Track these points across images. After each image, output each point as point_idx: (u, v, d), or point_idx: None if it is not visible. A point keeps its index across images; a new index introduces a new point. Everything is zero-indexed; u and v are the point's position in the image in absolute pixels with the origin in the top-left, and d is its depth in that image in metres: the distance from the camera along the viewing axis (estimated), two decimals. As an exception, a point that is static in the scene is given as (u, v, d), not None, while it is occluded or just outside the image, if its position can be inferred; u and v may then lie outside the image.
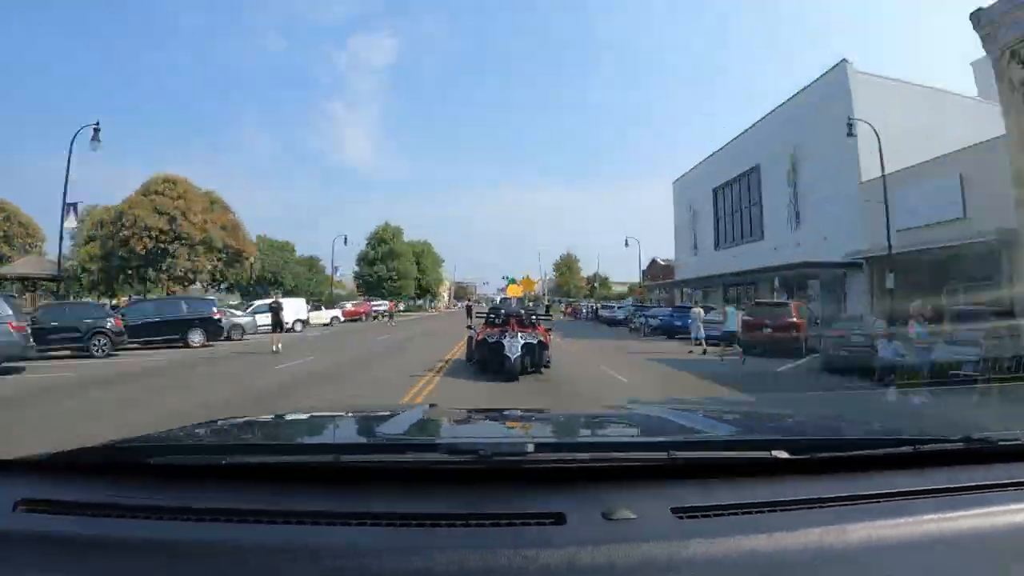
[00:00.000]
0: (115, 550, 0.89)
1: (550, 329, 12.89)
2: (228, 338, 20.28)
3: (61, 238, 20.50)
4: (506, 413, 2.10)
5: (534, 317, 12.83)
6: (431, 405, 2.04)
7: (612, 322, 34.22)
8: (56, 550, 0.90)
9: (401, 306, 46.73)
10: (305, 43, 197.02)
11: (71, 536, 0.92)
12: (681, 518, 0.94)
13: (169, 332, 17.93)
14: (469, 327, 13.24)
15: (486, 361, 10.75)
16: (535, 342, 10.82)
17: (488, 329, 11.69)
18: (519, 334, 10.75)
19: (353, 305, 41.25)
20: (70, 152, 19.20)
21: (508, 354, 10.18)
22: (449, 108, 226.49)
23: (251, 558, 0.86)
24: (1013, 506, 1.02)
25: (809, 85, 25.71)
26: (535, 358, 10.81)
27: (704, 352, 16.24)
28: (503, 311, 13.26)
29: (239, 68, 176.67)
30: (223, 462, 1.10)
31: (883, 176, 17.80)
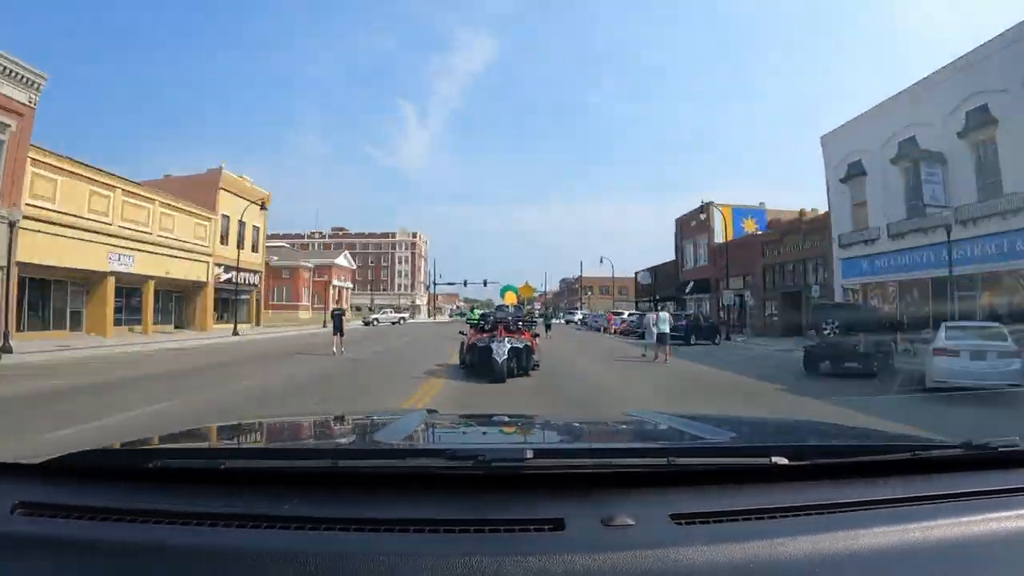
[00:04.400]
0: (113, 554, 0.89)
1: (537, 335, 13.97)
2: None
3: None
4: (506, 419, 2.09)
5: (520, 323, 13.66)
6: (430, 411, 2.03)
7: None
8: (54, 553, 0.89)
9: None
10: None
11: (69, 539, 0.91)
12: (680, 524, 0.94)
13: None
14: (461, 332, 14.21)
15: (475, 364, 11.43)
16: (522, 346, 11.59)
17: (478, 334, 12.46)
18: (506, 339, 11.40)
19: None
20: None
21: (496, 357, 10.84)
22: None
23: (249, 563, 0.85)
24: (1013, 512, 1.02)
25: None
26: (522, 361, 11.51)
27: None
28: (492, 317, 14.39)
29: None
30: (222, 466, 1.10)
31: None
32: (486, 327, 12.93)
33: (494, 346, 11.01)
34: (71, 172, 21.21)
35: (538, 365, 12.22)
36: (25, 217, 17.85)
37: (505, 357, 10.91)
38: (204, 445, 1.57)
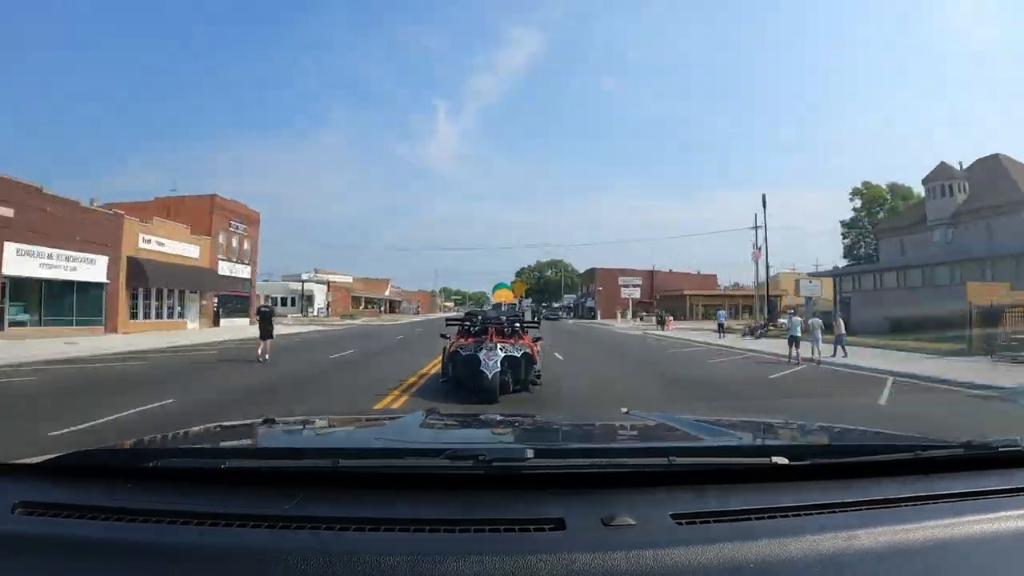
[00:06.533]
0: (113, 553, 0.89)
1: (538, 339, 10.64)
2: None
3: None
4: (505, 419, 2.09)
5: (518, 324, 10.62)
6: (430, 411, 2.03)
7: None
8: (55, 553, 0.89)
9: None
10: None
11: (70, 539, 0.91)
12: (681, 524, 0.94)
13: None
14: (444, 335, 10.89)
15: (461, 378, 8.80)
16: (519, 355, 8.79)
17: (462, 340, 9.63)
18: (499, 345, 8.72)
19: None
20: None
21: (485, 370, 8.25)
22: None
23: (249, 562, 0.86)
24: (1013, 512, 1.02)
25: None
26: (520, 374, 8.79)
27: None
28: (479, 317, 11.14)
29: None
30: (222, 466, 1.10)
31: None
32: (473, 330, 9.97)
33: (482, 356, 8.37)
34: None
35: (540, 377, 9.43)
36: None
37: (498, 370, 8.28)
38: (205, 444, 1.57)
